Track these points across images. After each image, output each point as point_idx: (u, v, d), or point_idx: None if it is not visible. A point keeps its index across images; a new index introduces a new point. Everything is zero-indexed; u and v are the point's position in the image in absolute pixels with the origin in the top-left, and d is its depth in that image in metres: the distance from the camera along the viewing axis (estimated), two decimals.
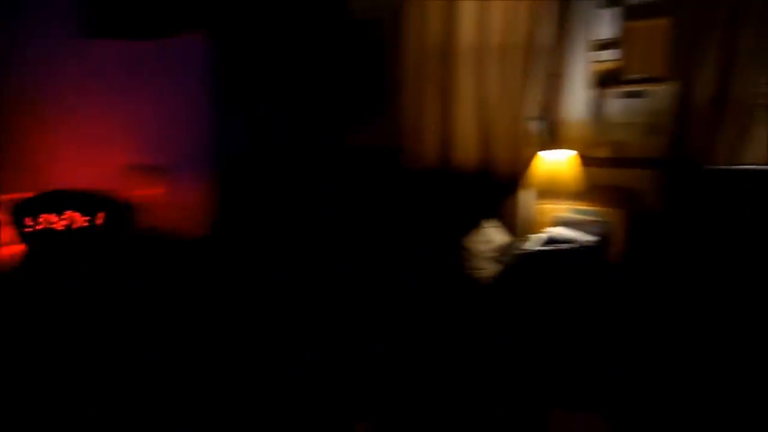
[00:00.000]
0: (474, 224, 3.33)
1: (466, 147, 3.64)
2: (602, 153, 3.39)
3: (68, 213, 3.57)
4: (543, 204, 3.47)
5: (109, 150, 3.97)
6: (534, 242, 3.12)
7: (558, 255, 2.99)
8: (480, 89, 3.54)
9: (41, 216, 3.54)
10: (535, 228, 3.44)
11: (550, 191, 3.29)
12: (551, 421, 2.49)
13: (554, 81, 3.43)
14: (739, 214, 2.88)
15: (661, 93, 3.20)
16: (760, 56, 2.89)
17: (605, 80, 3.37)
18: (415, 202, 3.69)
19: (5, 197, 3.62)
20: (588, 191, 3.27)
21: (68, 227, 3.57)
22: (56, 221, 3.56)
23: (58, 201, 3.58)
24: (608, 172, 3.34)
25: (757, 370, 2.56)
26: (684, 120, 3.10)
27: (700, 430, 2.40)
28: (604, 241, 3.09)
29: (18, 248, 3.58)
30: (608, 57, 3.35)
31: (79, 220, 3.58)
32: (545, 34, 3.33)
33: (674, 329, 2.79)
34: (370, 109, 4.05)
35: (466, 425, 2.47)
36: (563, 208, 3.36)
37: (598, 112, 3.40)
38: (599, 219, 3.22)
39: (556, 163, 3.22)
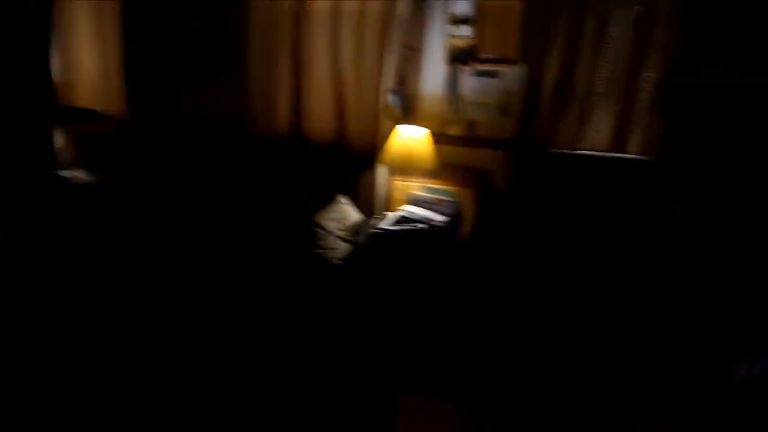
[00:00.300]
0: (327, 200, 3.18)
1: (320, 117, 3.45)
2: (455, 131, 3.39)
3: None
4: (397, 181, 3.40)
5: None
6: (386, 221, 3.05)
7: (410, 235, 2.95)
8: (334, 57, 3.34)
9: None
10: (389, 205, 3.38)
11: (405, 168, 3.23)
12: (401, 405, 2.47)
13: (410, 54, 3.34)
14: (577, 196, 3.05)
15: (512, 75, 3.24)
16: (602, 46, 3.02)
17: (461, 57, 3.33)
18: (263, 174, 3.42)
19: None
20: (441, 169, 3.25)
21: None
22: None
23: None
24: (460, 151, 3.35)
25: (605, 346, 2.73)
26: (532, 103, 3.18)
27: (547, 410, 2.49)
28: (455, 221, 3.11)
29: None
30: (464, 33, 3.31)
31: None
32: (402, 4, 3.20)
33: (521, 308, 2.90)
34: (209, 72, 3.66)
35: (316, 406, 2.39)
36: (417, 186, 3.32)
37: (452, 89, 3.37)
38: (451, 198, 3.22)
39: (411, 140, 3.15)
